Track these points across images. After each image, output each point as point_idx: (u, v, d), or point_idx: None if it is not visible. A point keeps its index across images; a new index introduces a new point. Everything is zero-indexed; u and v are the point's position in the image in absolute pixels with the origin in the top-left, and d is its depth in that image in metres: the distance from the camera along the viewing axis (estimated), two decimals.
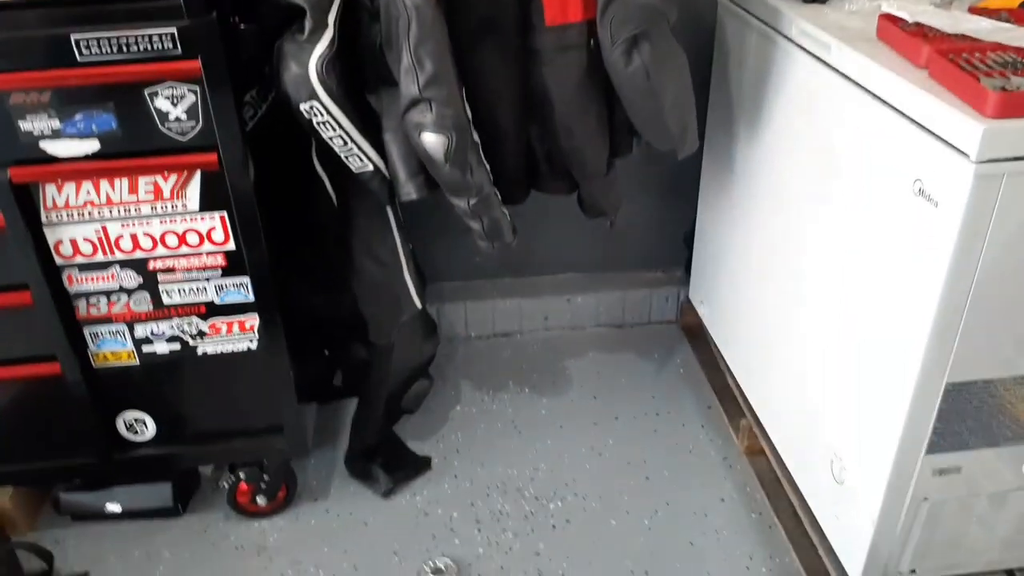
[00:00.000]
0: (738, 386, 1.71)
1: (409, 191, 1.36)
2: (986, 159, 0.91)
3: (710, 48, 1.69)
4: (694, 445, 1.74)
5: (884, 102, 1.08)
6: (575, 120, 1.40)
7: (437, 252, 1.90)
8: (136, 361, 1.39)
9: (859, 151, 1.17)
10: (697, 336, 1.99)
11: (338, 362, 1.87)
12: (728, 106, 1.63)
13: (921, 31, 1.11)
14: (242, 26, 1.27)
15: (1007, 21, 1.15)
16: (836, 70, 1.20)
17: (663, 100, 1.32)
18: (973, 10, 1.20)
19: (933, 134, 0.98)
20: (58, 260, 1.29)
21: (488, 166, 1.36)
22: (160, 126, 1.20)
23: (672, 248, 2.03)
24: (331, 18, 1.23)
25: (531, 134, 1.44)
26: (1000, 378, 1.09)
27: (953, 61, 1.00)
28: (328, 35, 1.23)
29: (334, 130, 1.28)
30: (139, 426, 1.46)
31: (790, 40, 1.34)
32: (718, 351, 1.82)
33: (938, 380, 1.07)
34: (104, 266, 1.31)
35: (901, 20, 1.15)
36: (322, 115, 1.26)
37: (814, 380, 1.36)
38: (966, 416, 1.11)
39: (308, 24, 1.21)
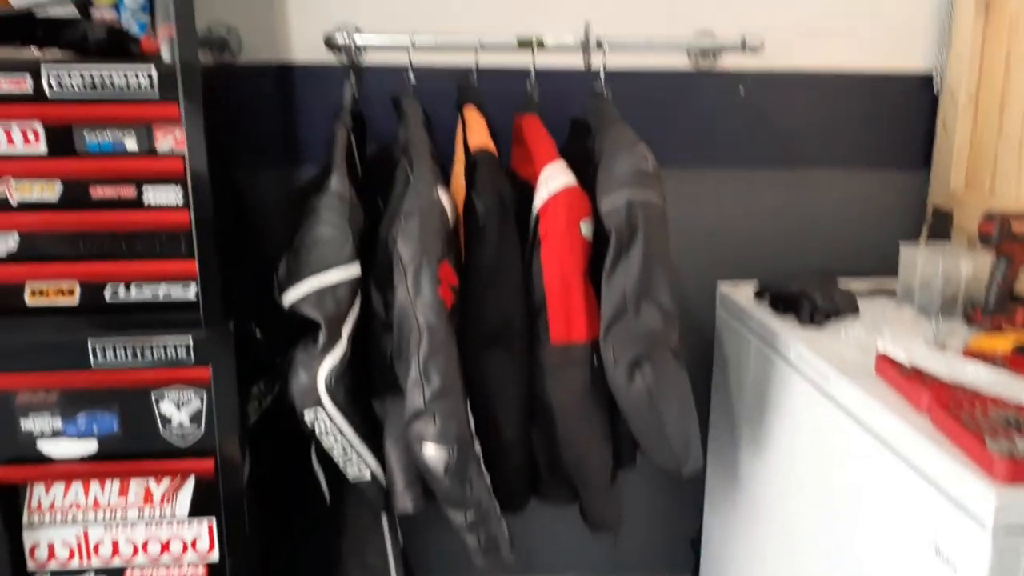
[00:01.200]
0: None
1: (406, 504, 1.33)
2: (1002, 527, 0.88)
3: (710, 356, 1.72)
4: None
5: (890, 447, 1.07)
6: (578, 433, 1.39)
7: (430, 546, 1.81)
8: None
9: (868, 495, 1.13)
10: None
11: None
12: (730, 416, 1.62)
13: (919, 374, 1.13)
14: (257, 332, 1.32)
15: (1003, 366, 1.17)
16: (836, 401, 1.21)
17: (665, 420, 1.32)
18: (968, 352, 1.22)
19: (943, 492, 0.96)
20: (30, 565, 1.23)
21: (488, 476, 1.34)
22: (161, 430, 1.20)
23: (679, 552, 1.93)
24: (345, 331, 1.27)
25: (534, 442, 1.43)
26: None
27: (955, 414, 1.00)
28: (341, 348, 1.26)
29: (336, 439, 1.28)
30: None
31: (789, 363, 1.36)
32: None
33: None
34: (78, 573, 1.24)
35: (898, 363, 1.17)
36: (326, 424, 1.26)
37: None
38: None
39: (322, 337, 1.25)
